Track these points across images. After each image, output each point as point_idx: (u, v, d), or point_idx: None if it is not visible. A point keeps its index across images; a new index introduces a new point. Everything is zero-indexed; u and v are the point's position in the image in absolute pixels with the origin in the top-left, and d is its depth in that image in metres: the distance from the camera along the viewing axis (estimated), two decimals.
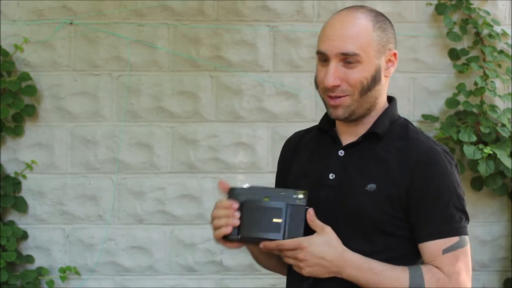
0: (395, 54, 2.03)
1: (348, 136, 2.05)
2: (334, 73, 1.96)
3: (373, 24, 1.99)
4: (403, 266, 1.94)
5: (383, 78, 2.01)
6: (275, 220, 1.96)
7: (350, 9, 2.03)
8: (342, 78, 1.97)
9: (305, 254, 1.93)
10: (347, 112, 1.99)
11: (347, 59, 1.96)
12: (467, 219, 1.99)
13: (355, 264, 1.94)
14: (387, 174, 1.96)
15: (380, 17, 2.02)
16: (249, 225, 1.97)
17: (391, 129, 2.03)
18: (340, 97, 1.98)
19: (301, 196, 1.98)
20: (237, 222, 1.96)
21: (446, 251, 1.93)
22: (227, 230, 1.96)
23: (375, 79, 1.99)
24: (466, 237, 1.97)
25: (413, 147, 1.99)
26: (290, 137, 2.23)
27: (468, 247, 1.97)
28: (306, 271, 1.95)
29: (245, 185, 2.01)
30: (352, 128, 2.05)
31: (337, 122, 2.09)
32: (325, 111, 2.07)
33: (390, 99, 2.10)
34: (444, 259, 1.93)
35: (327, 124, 2.10)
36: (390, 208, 1.95)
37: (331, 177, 2.02)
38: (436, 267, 1.94)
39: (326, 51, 1.98)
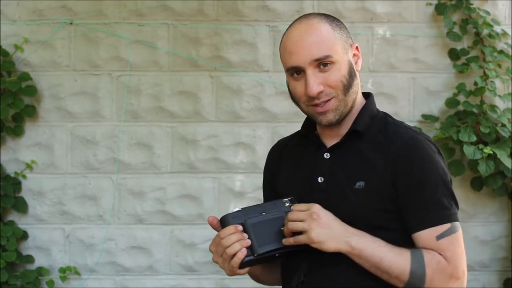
0: (357, 47, 2.08)
1: (331, 138, 2.08)
2: (315, 81, 1.99)
3: (330, 25, 2.03)
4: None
5: (356, 72, 2.06)
6: (283, 228, 1.98)
7: (304, 19, 2.06)
8: (322, 83, 2.00)
9: (318, 214, 1.94)
10: (337, 115, 2.03)
11: (322, 63, 1.99)
12: (457, 205, 2.00)
13: (361, 233, 1.95)
14: (373, 170, 1.99)
15: (331, 18, 2.07)
16: (261, 241, 1.96)
17: (372, 125, 2.06)
18: (326, 101, 2.01)
19: (289, 203, 2.01)
20: (249, 242, 1.96)
21: (439, 237, 1.94)
22: (243, 253, 1.95)
23: (351, 75, 2.03)
24: (458, 223, 1.97)
25: (393, 139, 2.02)
26: (274, 146, 2.27)
27: (460, 233, 1.97)
28: (316, 232, 1.93)
29: (236, 209, 2.01)
30: (335, 130, 2.08)
31: (318, 126, 2.12)
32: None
33: (367, 95, 2.13)
34: (440, 245, 1.94)
35: (309, 129, 2.14)
36: (381, 202, 1.97)
37: (320, 181, 2.05)
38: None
39: (298, 63, 2.00)
